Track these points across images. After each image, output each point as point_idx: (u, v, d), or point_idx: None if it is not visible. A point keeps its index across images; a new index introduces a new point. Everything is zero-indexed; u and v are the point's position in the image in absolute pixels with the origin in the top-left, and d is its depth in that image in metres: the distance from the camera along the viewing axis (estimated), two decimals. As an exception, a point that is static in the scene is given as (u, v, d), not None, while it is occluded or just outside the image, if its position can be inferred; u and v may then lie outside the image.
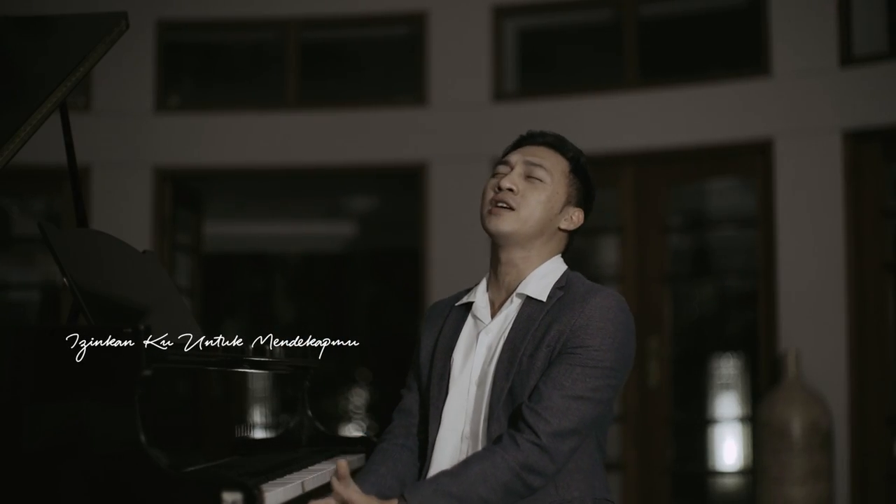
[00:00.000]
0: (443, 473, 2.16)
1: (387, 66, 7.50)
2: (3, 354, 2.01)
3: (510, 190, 2.33)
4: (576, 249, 2.48)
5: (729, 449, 6.95)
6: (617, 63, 6.51)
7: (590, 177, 2.43)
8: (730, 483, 7.11)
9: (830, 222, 5.80)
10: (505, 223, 2.32)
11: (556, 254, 2.40)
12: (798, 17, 5.99)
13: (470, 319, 2.40)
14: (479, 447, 2.28)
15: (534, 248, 2.35)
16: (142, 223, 6.60)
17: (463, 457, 2.29)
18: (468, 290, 2.48)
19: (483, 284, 2.43)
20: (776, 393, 5.58)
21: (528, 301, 2.31)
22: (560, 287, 2.32)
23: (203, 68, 7.63)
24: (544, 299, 2.30)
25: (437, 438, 2.33)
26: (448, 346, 2.39)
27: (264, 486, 2.07)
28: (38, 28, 2.98)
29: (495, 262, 2.40)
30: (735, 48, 6.66)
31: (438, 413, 2.34)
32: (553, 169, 2.36)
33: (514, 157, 2.38)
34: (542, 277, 2.34)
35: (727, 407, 7.42)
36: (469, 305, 2.42)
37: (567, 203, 2.38)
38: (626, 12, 6.46)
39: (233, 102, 7.15)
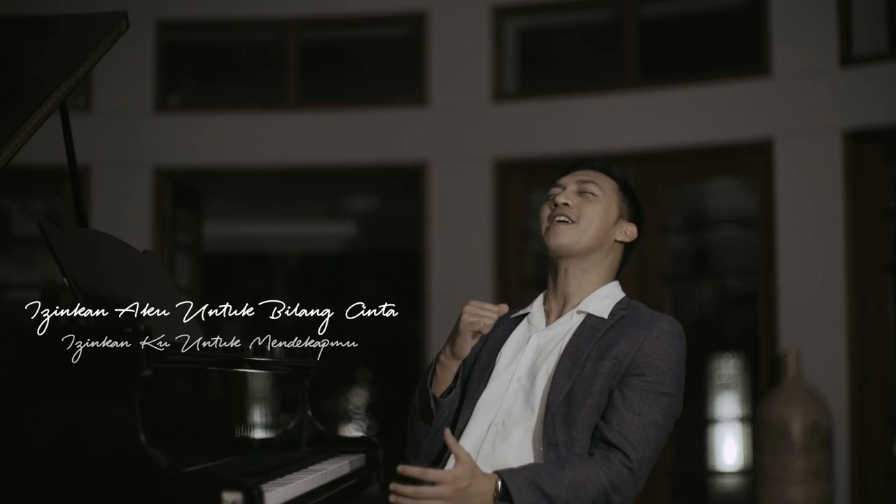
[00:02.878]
0: (538, 467, 2.21)
1: (387, 66, 7.50)
2: (2, 354, 2.01)
3: (566, 205, 2.43)
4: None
5: (729, 449, 6.95)
6: (617, 63, 6.51)
7: (637, 196, 2.54)
8: (730, 483, 7.10)
9: (830, 222, 5.80)
10: (564, 236, 2.41)
11: (614, 270, 2.49)
12: (798, 17, 5.99)
13: (523, 324, 2.49)
14: (508, 438, 2.32)
15: (592, 261, 2.45)
16: (142, 223, 6.60)
17: (488, 444, 2.34)
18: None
19: (540, 299, 2.52)
20: (776, 393, 5.58)
21: (590, 317, 2.39)
22: (622, 308, 2.40)
23: (203, 68, 7.63)
24: (606, 316, 2.38)
25: (468, 425, 2.38)
26: (496, 343, 2.48)
27: (264, 486, 2.07)
28: (38, 28, 2.98)
29: (554, 275, 2.48)
30: (735, 48, 6.66)
31: (472, 403, 2.40)
32: (604, 185, 2.46)
33: (566, 180, 2.49)
34: (603, 298, 2.42)
35: (727, 407, 7.42)
36: (523, 316, 2.52)
37: (620, 216, 2.47)
38: (626, 12, 6.46)
39: (233, 102, 7.15)
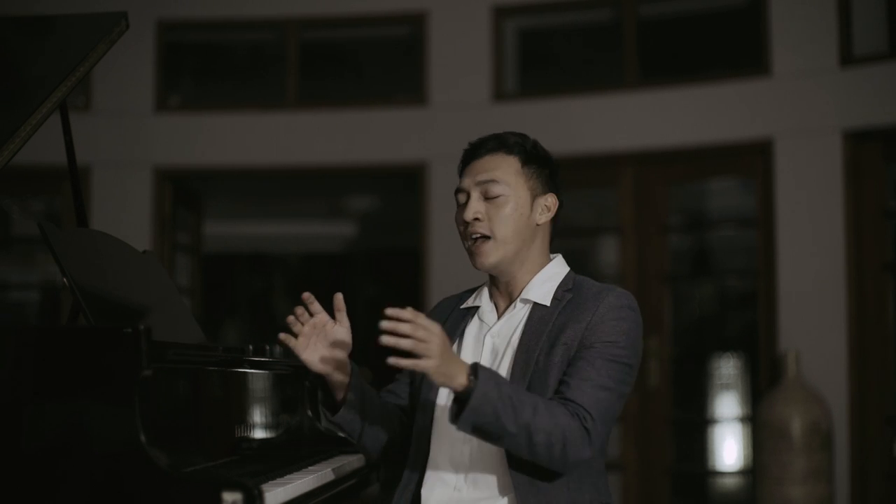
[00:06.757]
0: (504, 379, 2.14)
1: (387, 66, 7.50)
2: (3, 354, 2.01)
3: (476, 220, 2.31)
4: (576, 250, 2.48)
5: (729, 449, 6.95)
6: (617, 63, 6.51)
7: (544, 155, 2.37)
8: (730, 483, 7.10)
9: (830, 222, 5.80)
10: (488, 255, 2.31)
11: (546, 246, 2.38)
12: (798, 17, 5.99)
13: (475, 321, 2.40)
14: (482, 446, 2.26)
15: (521, 255, 2.34)
16: (142, 223, 6.60)
17: (461, 456, 2.29)
18: (472, 291, 2.49)
19: (486, 290, 2.43)
20: (776, 393, 5.58)
21: (536, 306, 2.32)
22: (567, 290, 2.32)
23: (203, 68, 7.63)
24: (548, 303, 2.30)
25: (433, 439, 2.32)
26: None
27: (264, 486, 2.07)
28: (38, 28, 2.98)
29: (491, 276, 2.40)
30: (735, 48, 6.66)
31: (430, 406, 2.34)
32: (505, 176, 2.31)
33: (466, 182, 2.34)
34: (544, 282, 2.34)
35: (727, 407, 7.41)
36: (470, 309, 2.43)
37: (534, 198, 2.33)
38: (626, 12, 6.46)
39: (233, 102, 7.15)
